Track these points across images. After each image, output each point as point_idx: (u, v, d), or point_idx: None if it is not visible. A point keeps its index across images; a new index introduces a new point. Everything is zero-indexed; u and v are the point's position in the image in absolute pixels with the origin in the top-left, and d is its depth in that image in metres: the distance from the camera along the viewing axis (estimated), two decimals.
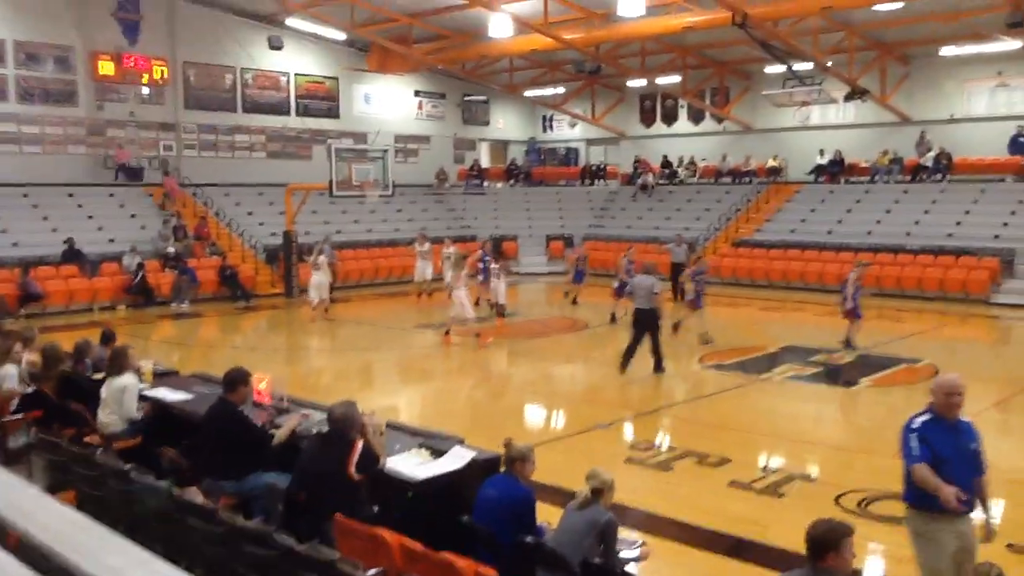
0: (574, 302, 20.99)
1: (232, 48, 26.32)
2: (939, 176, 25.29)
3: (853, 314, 14.66)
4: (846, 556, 3.91)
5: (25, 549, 3.64)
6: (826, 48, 23.41)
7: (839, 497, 7.52)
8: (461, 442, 6.07)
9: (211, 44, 26.17)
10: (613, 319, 17.82)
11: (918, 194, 25.04)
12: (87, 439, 7.15)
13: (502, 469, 5.35)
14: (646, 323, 12.66)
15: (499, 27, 23.40)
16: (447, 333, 16.06)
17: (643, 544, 5.64)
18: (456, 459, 5.72)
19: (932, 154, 25.47)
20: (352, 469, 5.30)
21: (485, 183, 33.12)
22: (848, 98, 24.76)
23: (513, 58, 29.10)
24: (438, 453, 5.82)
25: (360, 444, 5.42)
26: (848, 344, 14.56)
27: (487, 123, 34.94)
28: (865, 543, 6.74)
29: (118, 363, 7.49)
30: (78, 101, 23.91)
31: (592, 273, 27.38)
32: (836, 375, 13.25)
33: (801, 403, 11.92)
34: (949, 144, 25.41)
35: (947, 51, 24.65)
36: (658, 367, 12.84)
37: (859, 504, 7.39)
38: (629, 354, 12.82)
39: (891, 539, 6.80)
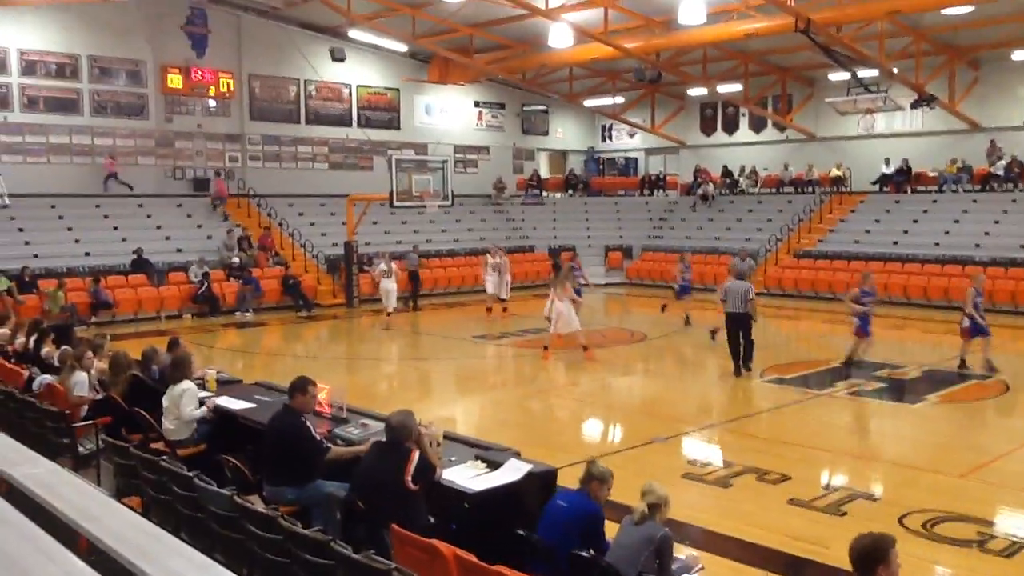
0: (687, 322, 18.73)
1: (296, 60, 26.84)
2: (1010, 185, 24.56)
3: (981, 332, 13.59)
4: (894, 569, 3.86)
5: (93, 553, 3.75)
6: (892, 53, 22.89)
7: (903, 517, 7.32)
8: (517, 455, 6.08)
9: (275, 57, 26.75)
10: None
11: (988, 204, 24.33)
12: (153, 445, 7.34)
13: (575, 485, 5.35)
14: (739, 326, 13.37)
15: (559, 37, 23.46)
16: (586, 348, 15.25)
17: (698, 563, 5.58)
18: (511, 472, 5.73)
19: (1003, 162, 24.75)
20: (408, 479, 5.35)
21: (544, 193, 33.16)
22: (915, 105, 24.13)
23: (573, 67, 29.11)
24: (494, 465, 5.84)
25: (416, 454, 5.46)
26: (990, 367, 13.43)
27: (546, 133, 34.99)
28: (931, 565, 6.58)
29: (178, 371, 7.69)
30: (148, 114, 24.62)
31: (650, 284, 27.29)
32: (901, 391, 12.93)
33: (865, 419, 11.67)
34: (1022, 152, 24.67)
35: (1020, 55, 23.97)
36: (746, 366, 13.45)
37: (924, 525, 7.19)
38: (736, 356, 13.45)
39: (957, 562, 6.62)
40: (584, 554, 4.88)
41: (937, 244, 23.41)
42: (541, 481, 5.80)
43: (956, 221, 24.14)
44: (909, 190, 26.58)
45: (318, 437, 6.30)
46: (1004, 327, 18.66)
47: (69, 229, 22.17)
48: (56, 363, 9.36)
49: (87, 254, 21.56)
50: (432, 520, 5.54)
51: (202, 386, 8.42)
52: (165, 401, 7.54)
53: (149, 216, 23.87)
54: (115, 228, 22.89)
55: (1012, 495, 8.33)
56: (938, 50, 24.42)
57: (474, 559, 4.35)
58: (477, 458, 5.98)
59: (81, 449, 7.69)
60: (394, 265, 20.52)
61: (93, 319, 19.44)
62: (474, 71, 28.00)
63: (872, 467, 9.35)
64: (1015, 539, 6.94)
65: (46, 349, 10.27)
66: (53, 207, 22.51)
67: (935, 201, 25.49)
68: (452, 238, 28.00)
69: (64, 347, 9.64)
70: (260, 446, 6.56)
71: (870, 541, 3.93)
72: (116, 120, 24.09)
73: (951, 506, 7.63)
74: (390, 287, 19.86)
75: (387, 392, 13.56)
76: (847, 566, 6.00)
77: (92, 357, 8.87)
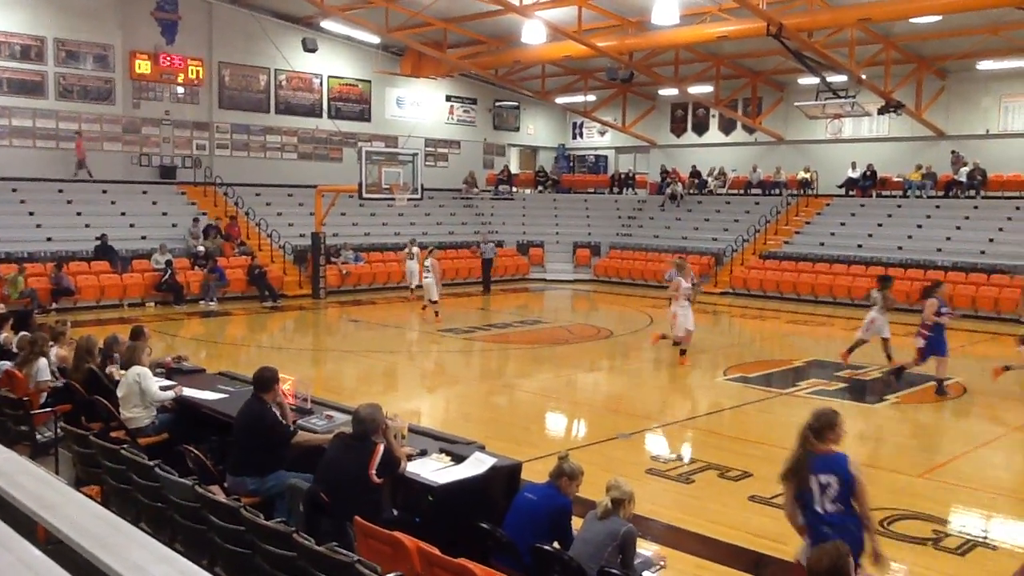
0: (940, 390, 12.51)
1: (267, 49, 26.57)
2: (973, 192, 25.00)
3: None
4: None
5: (51, 542, 3.70)
6: (861, 60, 23.20)
7: None
8: (481, 448, 6.09)
9: (246, 45, 26.47)
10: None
11: (951, 210, 24.74)
12: (113, 434, 7.25)
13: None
14: None
15: (533, 33, 23.44)
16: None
17: (662, 560, 5.65)
18: (476, 465, 5.75)
19: (966, 170, 25.18)
20: (373, 472, 5.34)
21: (513, 189, 33.18)
22: (882, 111, 24.51)
23: (545, 64, 29.13)
24: (458, 458, 5.85)
25: (381, 447, 5.45)
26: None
27: (517, 129, 35.00)
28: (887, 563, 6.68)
29: (128, 358, 7.64)
30: (115, 99, 24.26)
31: (618, 281, 27.43)
32: (862, 391, 13.12)
33: None
34: (984, 160, 25.11)
35: (985, 65, 24.40)
36: None
37: (881, 523, 7.31)
38: None
39: (912, 559, 6.74)
40: (547, 548, 4.90)
41: (900, 248, 23.75)
42: (505, 475, 5.83)
43: (919, 226, 24.52)
44: (874, 194, 26.96)
45: (284, 422, 6.28)
46: (963, 331, 18.99)
47: (31, 214, 21.77)
48: (15, 349, 9.21)
49: (49, 239, 21.20)
50: (396, 513, 5.54)
51: (166, 375, 8.35)
52: (121, 390, 7.46)
53: (113, 202, 23.52)
54: (78, 214, 22.53)
55: (967, 494, 8.49)
56: (906, 59, 24.78)
57: (437, 552, 4.35)
58: (441, 451, 5.98)
59: (39, 437, 7.58)
60: (416, 250, 21.77)
61: (54, 305, 19.13)
62: (447, 65, 27.92)
63: None
64: (969, 537, 7.08)
65: (5, 335, 10.09)
66: (15, 191, 22.08)
67: (899, 206, 25.86)
68: (421, 231, 27.90)
69: (23, 333, 9.48)
70: (225, 436, 6.52)
71: (834, 559, 3.80)
72: (82, 104, 23.70)
73: (908, 505, 7.76)
74: (414, 268, 21.50)
75: (352, 384, 13.50)
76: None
77: (51, 345, 8.74)
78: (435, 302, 19.18)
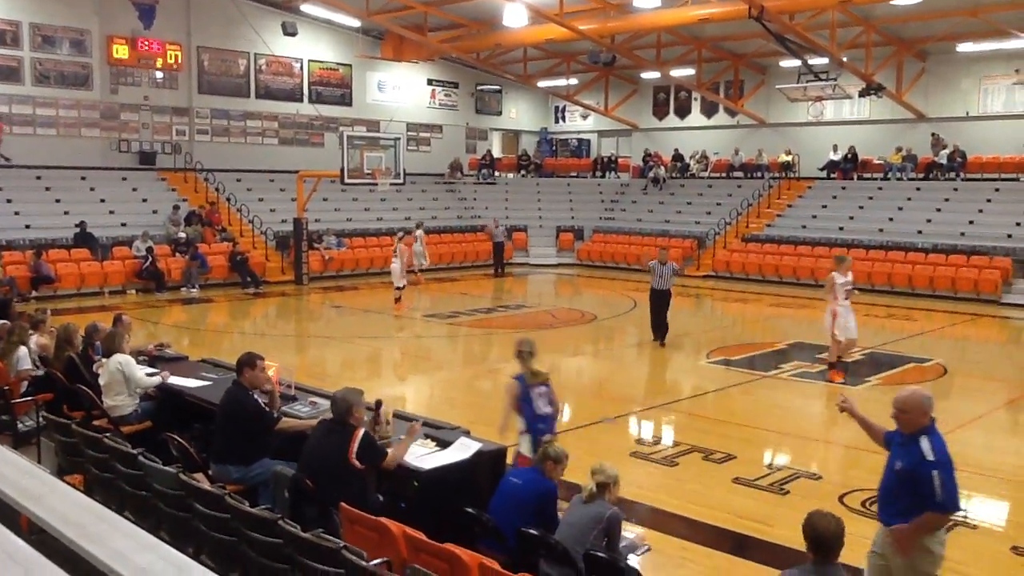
0: None
1: (246, 34, 26.30)
2: (953, 174, 25.16)
3: None
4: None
5: (35, 532, 3.68)
6: (842, 43, 23.26)
7: (843, 496, 7.51)
8: (467, 433, 6.10)
9: (225, 29, 26.20)
10: None
11: (931, 192, 24.91)
12: (96, 423, 7.21)
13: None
14: None
15: (514, 16, 23.34)
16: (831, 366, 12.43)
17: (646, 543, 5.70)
18: (461, 450, 5.75)
19: (946, 152, 25.33)
20: (352, 456, 5.33)
21: (496, 173, 33.11)
22: (863, 94, 24.58)
23: (527, 48, 29.02)
24: (443, 443, 5.85)
25: (361, 432, 5.44)
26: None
27: (500, 113, 34.89)
28: (869, 542, 6.74)
29: (109, 346, 7.58)
30: (93, 84, 23.97)
31: (601, 265, 27.47)
32: (844, 373, 13.19)
33: (808, 400, 11.90)
34: (964, 142, 25.26)
35: (965, 48, 24.50)
36: None
37: (863, 503, 7.38)
38: None
39: None
40: (532, 531, 4.92)
41: (881, 230, 23.89)
42: (491, 460, 5.84)
43: (900, 208, 24.66)
44: (856, 177, 27.08)
45: (268, 409, 6.26)
46: (942, 312, 19.18)
47: (9, 201, 21.53)
48: None
49: (27, 226, 20.99)
50: (381, 498, 5.54)
51: (149, 363, 8.30)
52: (103, 378, 7.40)
53: (93, 189, 23.31)
54: (57, 201, 22.31)
55: None
56: (887, 41, 24.85)
57: (423, 537, 4.36)
58: (426, 436, 5.98)
59: (21, 426, 7.54)
60: (420, 233, 22.55)
61: (34, 293, 18.96)
62: (428, 49, 27.77)
63: (815, 447, 9.56)
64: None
65: None
66: None
67: (880, 188, 25.99)
68: (404, 216, 27.81)
69: (2, 321, 9.40)
70: (209, 423, 6.50)
71: (837, 525, 3.85)
72: (59, 90, 23.41)
73: None
74: (419, 251, 22.18)
75: (336, 370, 13.47)
76: (790, 543, 6.14)
77: (31, 333, 8.67)
78: (399, 288, 18.77)
